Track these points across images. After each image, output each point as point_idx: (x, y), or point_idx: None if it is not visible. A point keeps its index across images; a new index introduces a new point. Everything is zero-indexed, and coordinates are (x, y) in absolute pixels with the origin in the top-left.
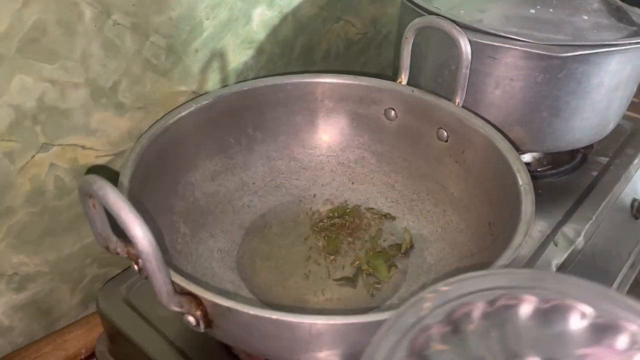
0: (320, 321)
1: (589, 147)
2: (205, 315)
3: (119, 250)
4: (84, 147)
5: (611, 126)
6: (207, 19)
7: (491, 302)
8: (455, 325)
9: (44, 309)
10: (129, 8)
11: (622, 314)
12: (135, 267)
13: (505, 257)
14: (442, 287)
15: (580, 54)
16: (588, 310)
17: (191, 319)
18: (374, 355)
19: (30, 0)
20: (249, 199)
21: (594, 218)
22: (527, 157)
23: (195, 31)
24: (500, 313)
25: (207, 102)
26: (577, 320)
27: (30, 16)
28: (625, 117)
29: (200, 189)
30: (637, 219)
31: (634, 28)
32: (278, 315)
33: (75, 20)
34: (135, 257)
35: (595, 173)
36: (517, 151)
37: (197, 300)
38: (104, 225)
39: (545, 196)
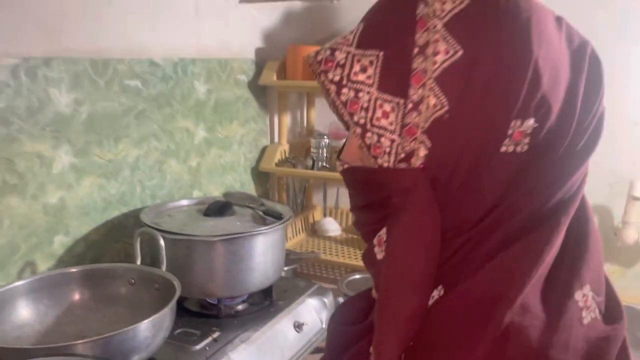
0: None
1: (269, 292)
2: None
3: None
4: None
5: (274, 276)
6: (23, 244)
7: None
8: None
9: None
10: None
11: None
12: None
13: None
14: None
15: (231, 237)
16: None
17: None
18: None
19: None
20: None
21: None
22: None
23: (14, 253)
24: None
25: (36, 277)
26: None
27: None
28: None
29: None
30: (298, 332)
31: (269, 225)
32: None
33: None
34: None
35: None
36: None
37: None
38: None
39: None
